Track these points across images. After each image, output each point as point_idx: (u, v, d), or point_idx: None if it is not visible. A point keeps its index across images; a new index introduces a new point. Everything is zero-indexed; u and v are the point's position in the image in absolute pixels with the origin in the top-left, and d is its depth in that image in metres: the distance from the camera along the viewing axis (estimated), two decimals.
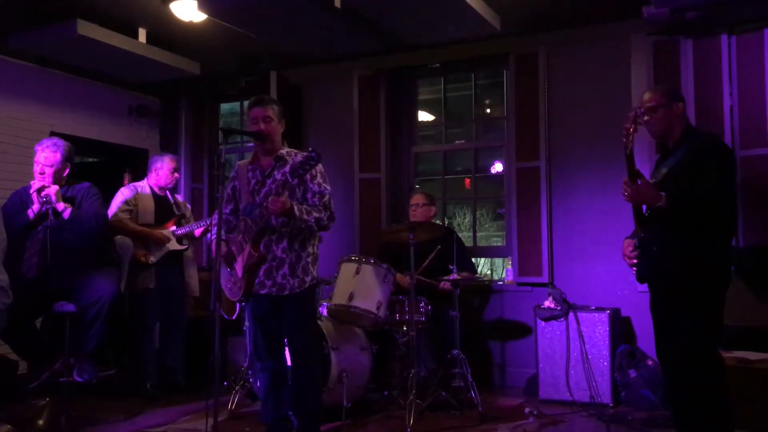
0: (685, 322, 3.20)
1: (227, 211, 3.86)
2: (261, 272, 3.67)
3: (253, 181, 3.77)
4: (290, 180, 3.51)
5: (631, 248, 3.39)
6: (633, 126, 3.20)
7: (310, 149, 3.47)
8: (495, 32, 5.21)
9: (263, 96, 3.91)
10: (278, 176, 3.65)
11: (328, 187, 3.80)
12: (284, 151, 3.80)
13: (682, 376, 3.24)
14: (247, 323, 4.98)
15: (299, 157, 3.59)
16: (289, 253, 3.69)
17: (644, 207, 3.30)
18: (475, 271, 5.58)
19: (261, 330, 3.80)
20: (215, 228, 3.51)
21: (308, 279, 3.75)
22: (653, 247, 3.29)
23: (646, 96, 3.38)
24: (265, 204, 3.54)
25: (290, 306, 3.72)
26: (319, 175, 3.76)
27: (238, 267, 3.73)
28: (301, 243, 3.73)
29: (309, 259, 3.77)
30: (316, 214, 3.67)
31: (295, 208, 3.56)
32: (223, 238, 3.76)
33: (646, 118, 3.33)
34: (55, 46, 5.37)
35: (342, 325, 4.65)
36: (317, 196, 3.74)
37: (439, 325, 4.96)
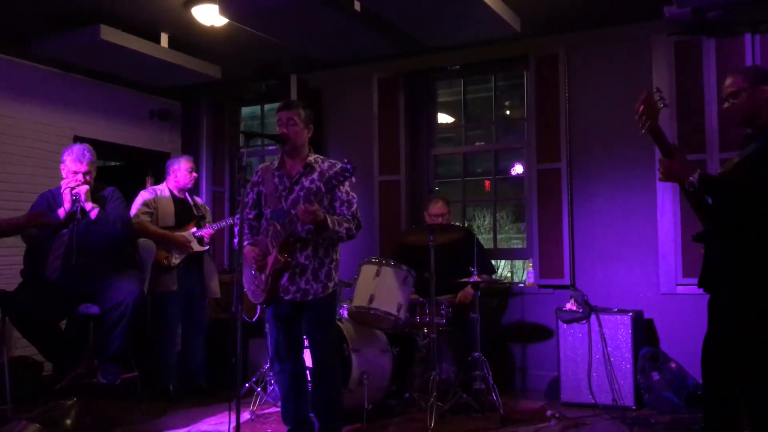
0: (753, 347, 2.86)
1: (251, 216, 3.88)
2: (285, 278, 3.70)
3: (280, 187, 3.78)
4: (323, 190, 3.54)
5: None
6: (643, 106, 2.88)
7: (345, 161, 3.50)
8: (515, 34, 5.20)
9: (291, 100, 3.95)
10: (306, 183, 3.71)
11: (355, 196, 3.83)
12: (312, 158, 3.81)
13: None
14: (267, 325, 5.00)
15: (335, 167, 3.65)
16: (313, 260, 3.72)
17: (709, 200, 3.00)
18: (495, 272, 5.57)
19: (282, 332, 3.82)
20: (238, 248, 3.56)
21: (331, 284, 3.79)
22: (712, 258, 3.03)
23: (728, 81, 3.04)
24: (294, 213, 3.55)
25: (313, 310, 3.74)
26: (346, 183, 3.74)
27: (263, 271, 3.75)
28: (325, 250, 3.76)
29: (332, 266, 3.80)
30: (346, 225, 3.70)
31: (329, 219, 3.59)
32: (250, 242, 3.81)
33: (726, 104, 3.05)
34: (79, 51, 5.44)
35: (362, 327, 4.66)
36: (345, 204, 3.77)
37: (460, 327, 4.95)
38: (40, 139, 5.84)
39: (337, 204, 3.76)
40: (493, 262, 5.64)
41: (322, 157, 3.90)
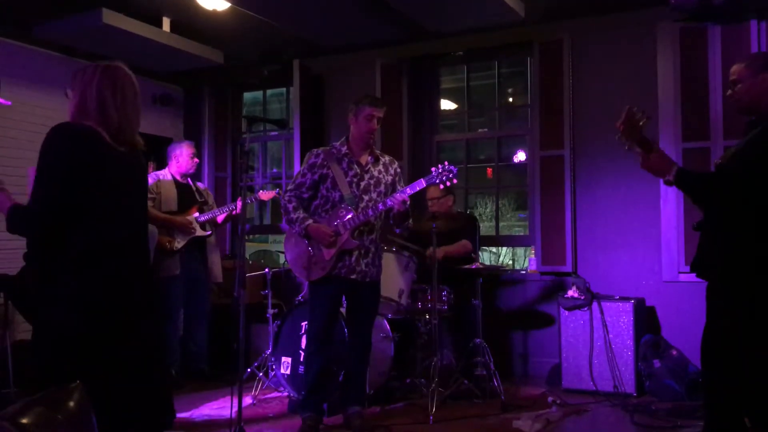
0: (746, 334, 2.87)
1: (306, 196, 4.00)
2: (352, 258, 3.88)
3: (350, 173, 3.96)
4: (423, 185, 3.85)
5: None
6: (623, 125, 2.86)
7: (446, 163, 3.87)
8: (519, 20, 5.18)
9: (379, 97, 4.24)
10: (376, 173, 4.00)
11: None
12: (378, 152, 4.11)
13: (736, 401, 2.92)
14: (270, 312, 5.01)
15: (394, 164, 4.11)
16: (374, 245, 3.99)
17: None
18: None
19: (331, 312, 3.96)
20: (297, 225, 3.88)
21: (380, 269, 4.06)
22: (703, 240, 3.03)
23: (732, 68, 3.04)
24: (390, 203, 3.83)
25: (367, 292, 4.01)
26: (402, 178, 4.14)
27: (328, 250, 3.88)
28: (379, 236, 4.03)
29: (381, 252, 4.09)
30: (412, 216, 4.08)
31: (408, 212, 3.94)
32: (313, 220, 3.93)
33: (728, 92, 3.07)
34: (81, 36, 5.42)
35: None
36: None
37: (462, 314, 4.95)
38: (43, 123, 5.81)
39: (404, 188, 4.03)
40: (494, 249, 5.63)
41: (379, 151, 4.18)
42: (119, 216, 2.51)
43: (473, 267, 4.72)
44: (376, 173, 4.01)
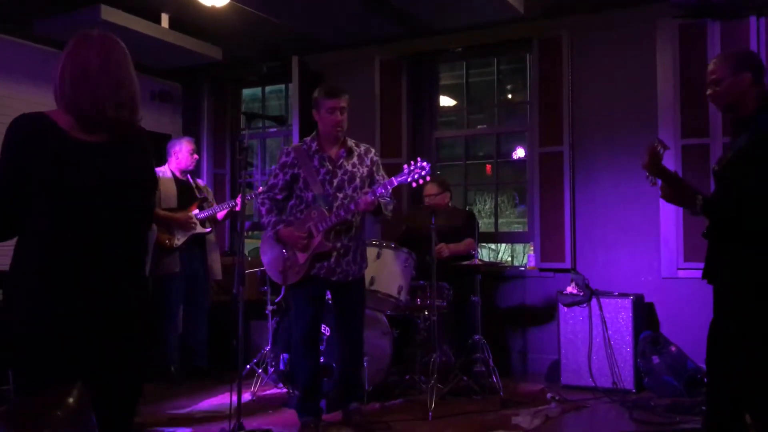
0: (747, 344, 2.84)
1: (280, 197, 3.90)
2: (332, 259, 3.78)
3: (322, 170, 3.83)
4: (395, 183, 3.70)
5: None
6: (650, 161, 2.81)
7: (419, 159, 3.71)
8: (518, 16, 5.17)
9: (336, 87, 3.96)
10: (349, 167, 3.84)
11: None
12: (351, 143, 3.93)
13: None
14: (269, 308, 5.01)
15: (369, 152, 3.98)
16: (354, 242, 3.86)
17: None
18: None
19: (315, 315, 3.89)
20: (269, 229, 3.81)
21: (364, 266, 3.96)
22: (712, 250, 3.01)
23: (710, 66, 2.95)
24: (358, 202, 3.69)
25: (350, 292, 3.91)
26: (380, 166, 3.99)
27: (302, 253, 3.80)
28: (360, 232, 3.93)
29: (363, 248, 3.97)
30: (390, 207, 3.90)
31: (382, 204, 3.76)
32: (284, 223, 3.85)
33: (709, 91, 2.98)
34: None
35: None
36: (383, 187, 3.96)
37: (461, 310, 4.95)
38: None
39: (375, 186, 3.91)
40: (493, 245, 5.63)
41: (354, 141, 4.00)
42: (71, 219, 2.08)
43: (472, 263, 4.73)
44: (349, 167, 3.86)
